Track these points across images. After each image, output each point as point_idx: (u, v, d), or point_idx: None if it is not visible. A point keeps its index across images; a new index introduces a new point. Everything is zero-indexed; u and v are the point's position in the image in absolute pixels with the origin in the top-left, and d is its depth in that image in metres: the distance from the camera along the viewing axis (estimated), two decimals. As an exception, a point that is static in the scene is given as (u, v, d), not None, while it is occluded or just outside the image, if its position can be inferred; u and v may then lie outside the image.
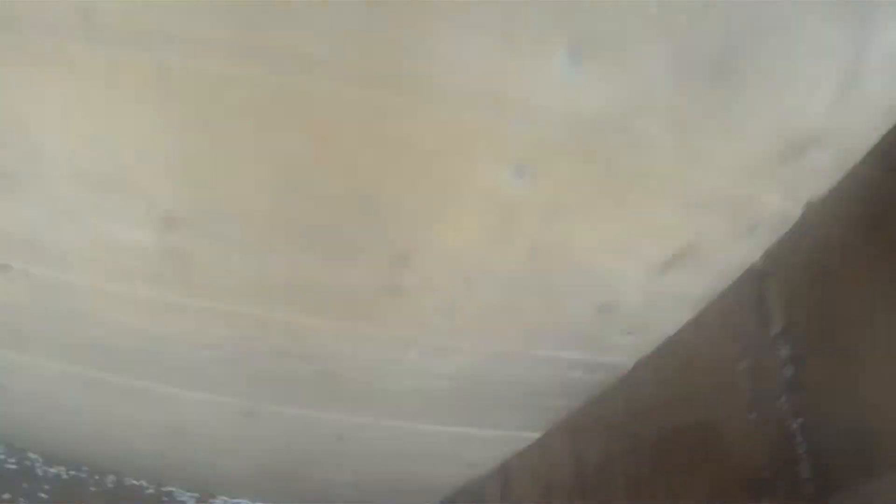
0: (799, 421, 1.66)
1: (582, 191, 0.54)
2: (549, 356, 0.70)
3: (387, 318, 0.65)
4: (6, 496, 1.25)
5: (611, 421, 1.57)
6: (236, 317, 0.67)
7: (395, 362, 0.70)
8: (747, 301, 1.85)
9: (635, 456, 1.54)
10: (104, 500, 1.30)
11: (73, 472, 1.31)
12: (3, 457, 1.30)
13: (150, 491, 1.35)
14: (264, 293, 0.63)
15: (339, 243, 0.58)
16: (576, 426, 1.54)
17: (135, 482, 1.35)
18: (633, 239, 0.59)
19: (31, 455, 1.31)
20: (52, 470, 1.30)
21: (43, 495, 1.27)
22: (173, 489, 1.36)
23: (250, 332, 0.68)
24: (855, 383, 1.58)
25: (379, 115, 0.50)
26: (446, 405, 0.79)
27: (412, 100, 0.49)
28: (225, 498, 1.35)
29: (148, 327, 0.72)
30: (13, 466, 1.29)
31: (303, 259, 0.59)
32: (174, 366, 0.78)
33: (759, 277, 1.90)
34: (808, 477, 1.56)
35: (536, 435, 0.88)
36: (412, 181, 0.53)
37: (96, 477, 1.32)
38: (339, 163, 0.52)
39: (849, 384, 1.57)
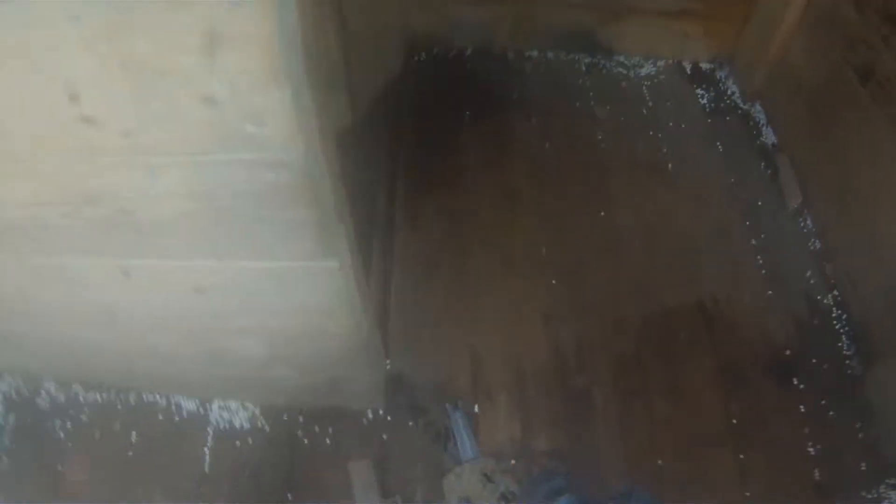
0: (833, 294, 1.58)
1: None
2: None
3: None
4: (58, 423, 1.41)
5: (590, 302, 1.51)
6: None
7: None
8: (760, 176, 1.79)
9: (621, 339, 1.48)
10: (130, 413, 1.43)
11: (104, 395, 1.45)
12: (54, 391, 1.46)
13: (163, 403, 1.45)
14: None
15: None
16: (550, 310, 1.49)
17: (150, 397, 1.46)
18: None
19: (75, 386, 1.46)
20: (91, 395, 1.45)
21: (84, 418, 1.42)
22: (180, 399, 1.45)
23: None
24: (885, 246, 1.51)
25: None
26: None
27: None
28: (219, 401, 1.44)
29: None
30: (62, 398, 1.45)
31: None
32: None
33: (771, 151, 1.84)
34: (851, 352, 1.48)
35: (335, 264, 0.83)
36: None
37: (121, 396, 1.45)
38: None
39: (879, 249, 1.50)
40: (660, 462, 1.30)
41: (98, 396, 1.46)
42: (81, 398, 1.45)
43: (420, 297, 1.53)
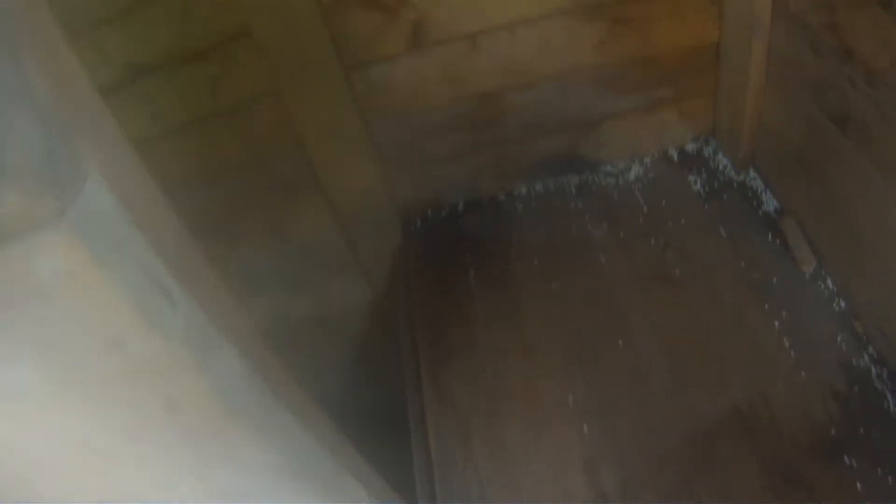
0: (868, 351, 1.79)
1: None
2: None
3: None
4: None
5: (626, 440, 1.78)
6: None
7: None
8: (769, 249, 2.04)
9: (664, 469, 1.73)
10: None
11: None
12: None
13: None
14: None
15: None
16: (588, 457, 1.77)
17: None
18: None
19: None
20: None
21: None
22: None
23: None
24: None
25: None
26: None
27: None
28: None
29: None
30: None
31: None
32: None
33: (776, 218, 2.10)
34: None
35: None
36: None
37: None
38: None
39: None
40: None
41: None
42: None
43: (461, 473, 1.82)
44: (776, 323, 1.89)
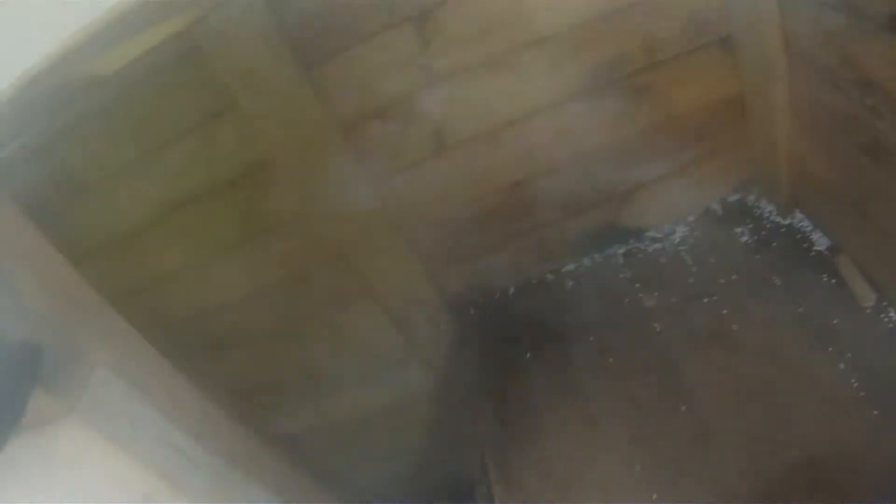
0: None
1: None
2: None
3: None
4: None
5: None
6: None
7: None
8: (826, 290, 1.99)
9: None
10: None
11: None
12: None
13: None
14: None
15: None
16: None
17: None
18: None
19: None
20: None
21: None
22: None
23: None
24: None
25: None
26: None
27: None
28: None
29: None
30: None
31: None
32: None
33: (829, 256, 2.04)
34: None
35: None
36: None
37: None
38: None
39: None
40: None
41: None
42: None
43: None
44: (841, 365, 1.82)
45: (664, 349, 2.09)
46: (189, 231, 2.25)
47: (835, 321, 1.92)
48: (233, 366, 2.68)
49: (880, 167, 1.78)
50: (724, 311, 2.09)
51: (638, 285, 2.31)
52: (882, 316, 1.87)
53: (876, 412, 1.70)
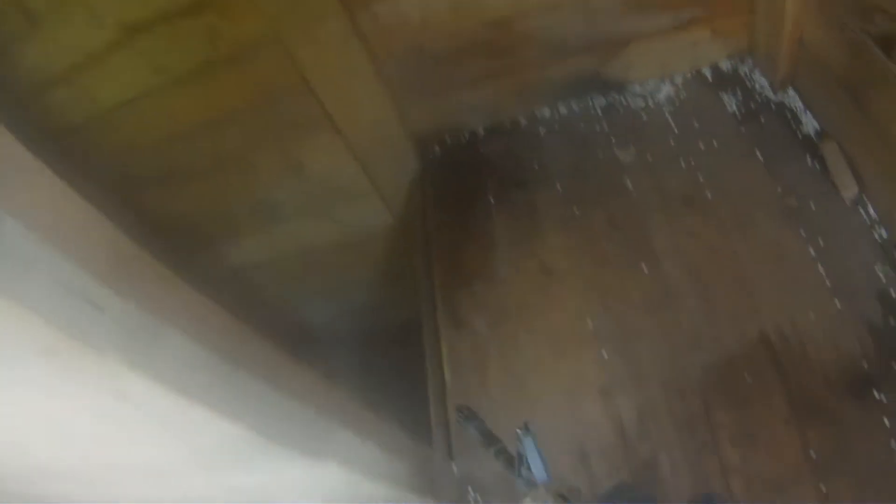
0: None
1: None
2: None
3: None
4: None
5: (646, 368, 1.72)
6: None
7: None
8: (808, 173, 1.94)
9: (684, 398, 1.67)
10: None
11: None
12: None
13: None
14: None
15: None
16: (606, 385, 1.72)
17: None
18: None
19: None
20: None
21: None
22: None
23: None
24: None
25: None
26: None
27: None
28: None
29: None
30: None
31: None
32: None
33: (816, 140, 1.99)
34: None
35: (332, 463, 1.12)
36: None
37: None
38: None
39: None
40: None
41: None
42: None
43: (475, 399, 1.79)
44: (811, 250, 1.80)
45: (633, 207, 2.03)
46: (149, 56, 1.99)
47: (812, 205, 1.88)
48: (183, 199, 2.48)
49: (893, 62, 1.69)
50: (701, 178, 2.02)
51: (614, 139, 2.20)
52: (860, 209, 1.84)
53: (838, 305, 1.70)
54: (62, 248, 0.69)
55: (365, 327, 3.22)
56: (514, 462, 1.04)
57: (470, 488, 1.68)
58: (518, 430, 1.02)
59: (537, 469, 0.98)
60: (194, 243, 2.61)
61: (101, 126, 2.17)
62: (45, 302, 0.64)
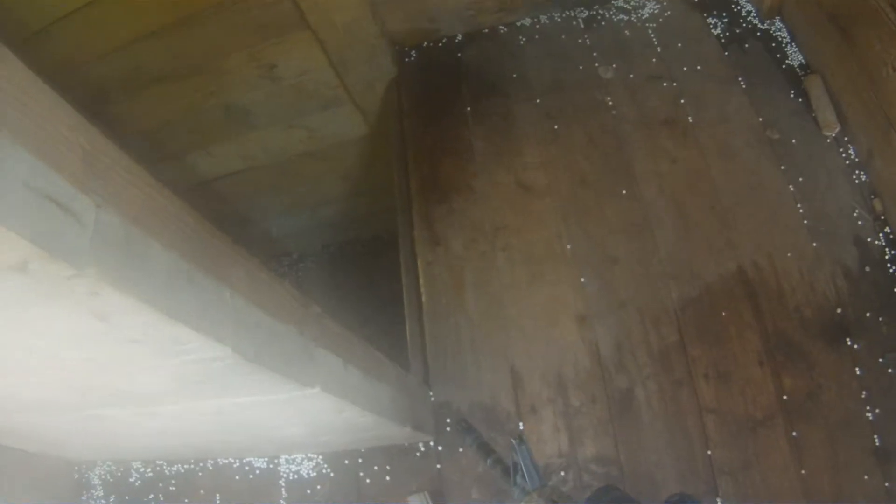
0: (885, 232, 1.53)
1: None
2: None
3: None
4: (151, 496, 1.67)
5: (623, 295, 1.53)
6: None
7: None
8: (790, 108, 1.72)
9: (661, 329, 1.50)
10: (211, 478, 1.64)
11: (185, 466, 1.68)
12: (142, 469, 1.70)
13: (237, 464, 1.65)
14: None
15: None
16: (583, 311, 1.52)
17: (224, 461, 1.65)
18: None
19: (159, 462, 1.70)
20: (174, 468, 1.69)
21: (172, 488, 1.66)
22: (251, 459, 1.63)
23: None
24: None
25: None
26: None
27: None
28: (286, 456, 1.60)
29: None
30: (150, 473, 1.70)
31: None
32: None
33: (800, 74, 1.76)
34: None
35: (315, 389, 0.94)
36: None
37: (200, 464, 1.67)
38: None
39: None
40: (709, 452, 1.35)
41: (180, 468, 1.68)
42: (167, 471, 1.68)
43: (452, 321, 1.59)
44: (791, 188, 1.61)
45: (614, 125, 1.77)
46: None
47: (793, 140, 1.68)
48: (151, 106, 2.04)
49: (888, 2, 1.45)
50: (682, 100, 1.77)
51: (596, 54, 1.90)
52: (841, 150, 1.64)
53: (815, 244, 1.53)
54: (35, 149, 0.51)
55: (336, 240, 2.92)
56: (509, 471, 0.95)
57: (448, 418, 1.48)
58: (513, 440, 0.97)
59: (531, 476, 0.93)
60: (163, 154, 2.21)
61: (63, 31, 1.73)
62: (17, 211, 0.48)
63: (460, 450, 1.46)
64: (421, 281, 1.62)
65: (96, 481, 1.70)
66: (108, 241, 0.56)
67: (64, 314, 0.61)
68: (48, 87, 0.56)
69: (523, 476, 0.93)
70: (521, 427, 1.44)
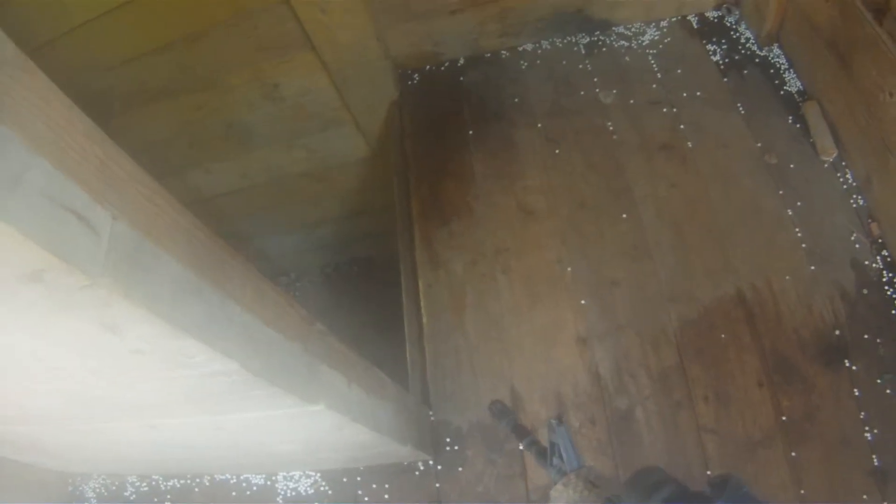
0: (883, 254, 1.55)
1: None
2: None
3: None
4: None
5: (623, 317, 1.55)
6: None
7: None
8: (789, 133, 1.74)
9: (660, 350, 1.51)
10: (207, 494, 1.64)
11: (181, 481, 1.68)
12: (137, 483, 1.70)
13: (233, 481, 1.65)
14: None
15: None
16: (583, 332, 1.53)
17: (221, 477, 1.66)
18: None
19: (155, 476, 1.71)
20: (170, 483, 1.69)
21: (168, 503, 1.66)
22: (248, 476, 1.64)
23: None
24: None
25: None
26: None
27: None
28: (283, 473, 1.60)
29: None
30: (145, 488, 1.69)
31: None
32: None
33: (798, 100, 1.78)
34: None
35: (320, 406, 0.95)
36: None
37: (197, 480, 1.67)
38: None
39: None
40: (709, 472, 1.34)
41: (176, 483, 1.68)
42: (163, 486, 1.69)
43: (452, 342, 1.60)
44: (789, 212, 1.63)
45: (614, 150, 1.80)
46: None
47: (791, 165, 1.70)
48: (153, 120, 2.08)
49: (884, 30, 1.48)
50: (682, 126, 1.80)
51: (596, 79, 1.94)
52: (839, 175, 1.66)
53: (812, 267, 1.54)
54: (54, 158, 0.52)
55: (334, 261, 2.93)
56: (545, 453, 0.94)
57: (447, 438, 1.49)
58: (552, 421, 0.96)
59: (569, 457, 0.90)
60: (163, 169, 2.23)
61: (72, 42, 1.77)
62: (34, 219, 0.49)
63: (459, 469, 1.46)
64: (422, 302, 1.64)
65: (90, 494, 1.71)
66: (122, 253, 0.58)
67: (76, 324, 0.62)
68: (65, 96, 0.57)
69: (560, 457, 0.92)
70: (522, 448, 1.45)
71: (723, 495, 0.79)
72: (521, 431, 1.07)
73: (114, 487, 1.70)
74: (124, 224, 0.59)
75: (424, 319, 1.61)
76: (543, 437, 1.07)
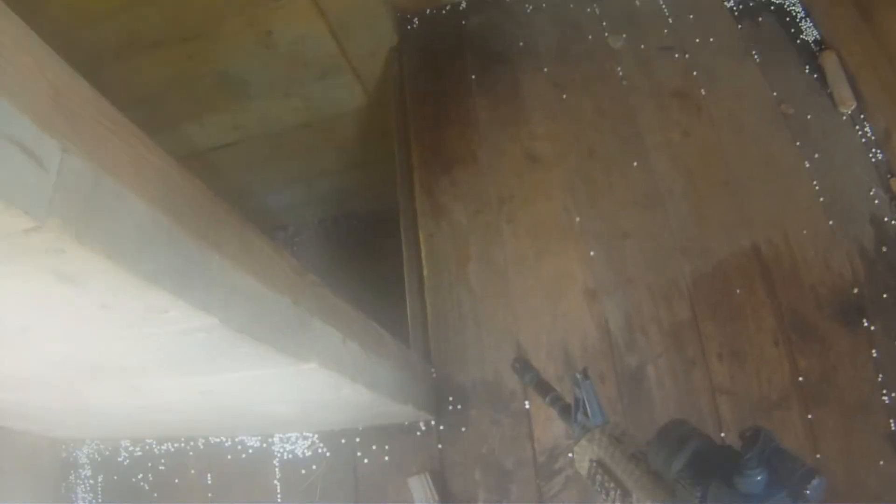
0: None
1: None
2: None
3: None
4: (140, 475, 1.61)
5: (634, 270, 1.47)
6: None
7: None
8: (805, 83, 1.66)
9: (672, 306, 1.44)
10: (202, 457, 1.58)
11: (175, 444, 1.62)
12: (131, 448, 1.65)
13: (229, 443, 1.58)
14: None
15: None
16: (592, 285, 1.46)
17: (216, 440, 1.59)
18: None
19: (148, 440, 1.64)
20: (164, 446, 1.63)
21: (162, 468, 1.61)
22: (244, 437, 1.57)
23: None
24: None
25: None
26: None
27: None
28: (279, 434, 1.54)
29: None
30: (139, 452, 1.63)
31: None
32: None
33: (815, 49, 1.70)
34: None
35: (312, 364, 0.88)
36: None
37: (191, 443, 1.60)
38: None
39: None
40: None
41: (170, 446, 1.62)
42: (156, 450, 1.63)
43: (455, 295, 1.52)
44: (806, 164, 1.55)
45: (624, 96, 1.71)
46: None
47: (808, 116, 1.62)
48: (144, 73, 1.93)
49: None
50: (694, 72, 1.71)
51: (605, 23, 1.83)
52: (857, 127, 1.59)
53: (831, 222, 1.48)
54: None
55: (332, 214, 2.81)
56: (569, 409, 0.86)
57: (449, 396, 1.42)
58: (577, 375, 0.88)
59: (594, 412, 0.85)
60: (156, 123, 2.09)
61: None
62: None
63: (462, 429, 1.40)
64: (423, 254, 1.55)
65: (84, 460, 1.64)
66: (75, 191, 0.49)
67: (25, 275, 0.54)
68: (14, 14, 0.48)
69: (585, 413, 0.86)
70: (527, 406, 1.38)
71: (754, 448, 0.72)
72: (544, 387, 1.00)
73: (107, 453, 1.64)
74: (78, 158, 0.49)
75: (425, 271, 1.53)
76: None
